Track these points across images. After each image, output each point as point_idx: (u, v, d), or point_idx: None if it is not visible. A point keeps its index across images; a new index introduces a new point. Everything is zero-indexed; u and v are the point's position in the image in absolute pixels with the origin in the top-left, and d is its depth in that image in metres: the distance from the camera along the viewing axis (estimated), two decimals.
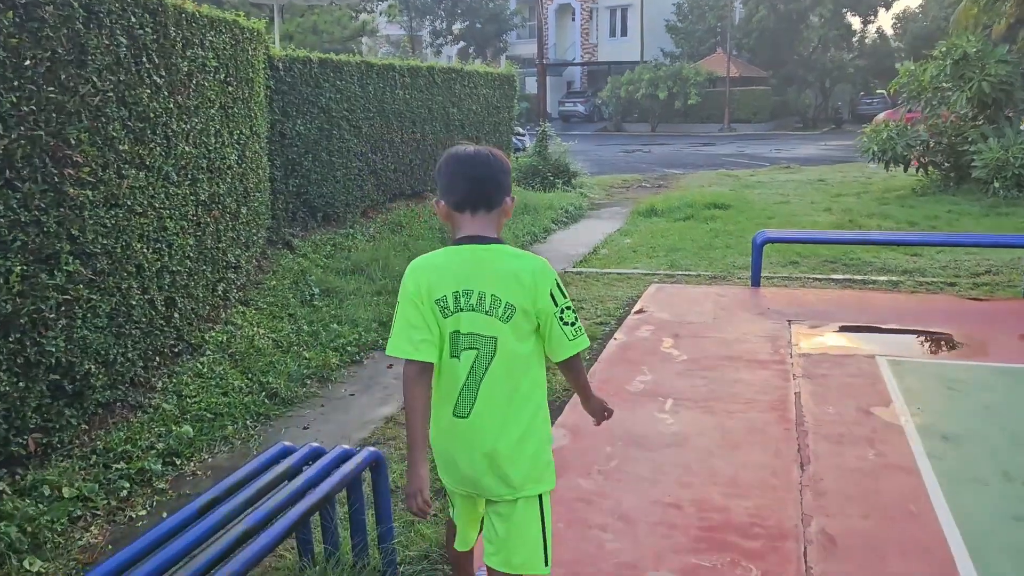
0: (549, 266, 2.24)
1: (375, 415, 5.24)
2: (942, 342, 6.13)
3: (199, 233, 5.82)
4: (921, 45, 44.05)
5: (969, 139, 13.82)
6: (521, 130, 21.91)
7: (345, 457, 2.94)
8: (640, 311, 7.11)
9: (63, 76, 4.01)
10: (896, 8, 45.11)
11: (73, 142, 4.09)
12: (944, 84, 14.50)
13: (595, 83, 46.58)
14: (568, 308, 2.21)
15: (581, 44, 48.64)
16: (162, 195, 5.13)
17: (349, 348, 6.37)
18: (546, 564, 2.33)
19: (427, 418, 2.26)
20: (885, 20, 45.08)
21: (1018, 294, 7.66)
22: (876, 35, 45.91)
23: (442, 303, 2.15)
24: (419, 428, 2.21)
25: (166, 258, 5.20)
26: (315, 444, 3.09)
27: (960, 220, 11.85)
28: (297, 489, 2.64)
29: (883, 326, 6.50)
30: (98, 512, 3.76)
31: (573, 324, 2.22)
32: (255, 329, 6.40)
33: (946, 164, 14.61)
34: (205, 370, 5.49)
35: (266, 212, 7.93)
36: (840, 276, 8.54)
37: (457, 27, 48.13)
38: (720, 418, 4.71)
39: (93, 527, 3.64)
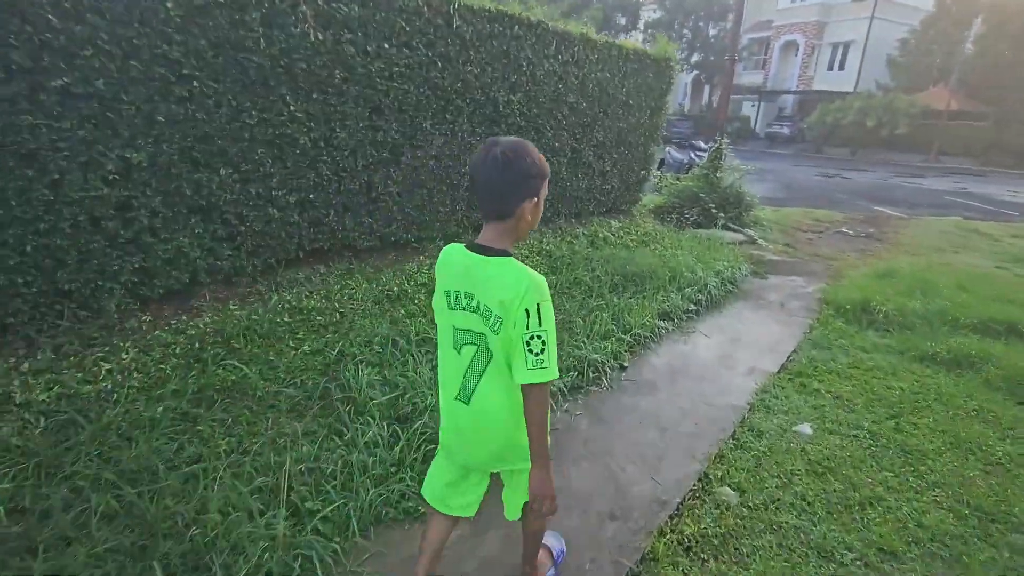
0: (537, 287, 1.26)
1: None
2: None
3: None
4: None
5: None
6: (703, 144, 12.43)
7: None
8: None
9: None
10: None
11: None
12: None
13: (804, 110, 33.07)
14: (538, 336, 1.25)
15: (799, 75, 35.07)
16: None
17: None
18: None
19: None
20: None
21: None
22: None
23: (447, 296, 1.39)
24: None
25: None
26: None
27: None
28: None
29: None
30: None
31: (539, 353, 1.25)
32: None
33: None
34: None
35: None
36: None
37: (694, 58, 36.87)
38: None
39: None
